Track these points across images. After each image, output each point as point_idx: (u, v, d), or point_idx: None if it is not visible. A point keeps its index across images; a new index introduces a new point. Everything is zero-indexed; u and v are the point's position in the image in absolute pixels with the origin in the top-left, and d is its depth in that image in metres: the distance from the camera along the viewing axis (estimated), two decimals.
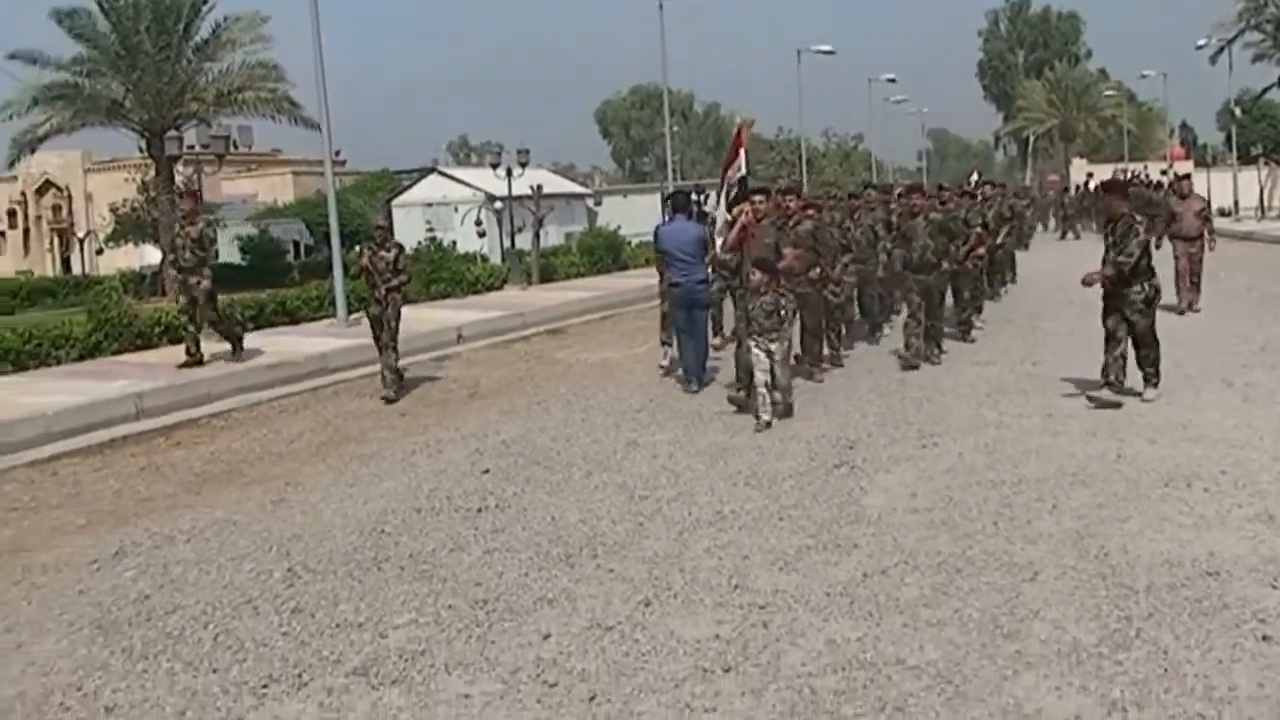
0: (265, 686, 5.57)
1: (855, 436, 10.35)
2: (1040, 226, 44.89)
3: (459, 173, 53.48)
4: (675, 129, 51.03)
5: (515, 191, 32.66)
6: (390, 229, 14.75)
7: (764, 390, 10.90)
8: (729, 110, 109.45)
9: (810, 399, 12.24)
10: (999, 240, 20.26)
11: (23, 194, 62.22)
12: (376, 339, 13.97)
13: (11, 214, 63.36)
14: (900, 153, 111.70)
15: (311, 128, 35.59)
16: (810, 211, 14.16)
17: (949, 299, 15.79)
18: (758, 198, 12.33)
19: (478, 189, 46.10)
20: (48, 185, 61.55)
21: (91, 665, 5.97)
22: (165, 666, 5.88)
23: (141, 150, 38.67)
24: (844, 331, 15.11)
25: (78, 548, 8.16)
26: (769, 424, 10.73)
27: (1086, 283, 11.27)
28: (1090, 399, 11.04)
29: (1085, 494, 8.16)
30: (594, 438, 10.92)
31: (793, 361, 11.76)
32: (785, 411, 11.11)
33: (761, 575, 6.75)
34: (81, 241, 56.68)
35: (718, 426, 11.08)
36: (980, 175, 36.91)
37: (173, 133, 27.85)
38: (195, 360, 15.28)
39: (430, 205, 47.83)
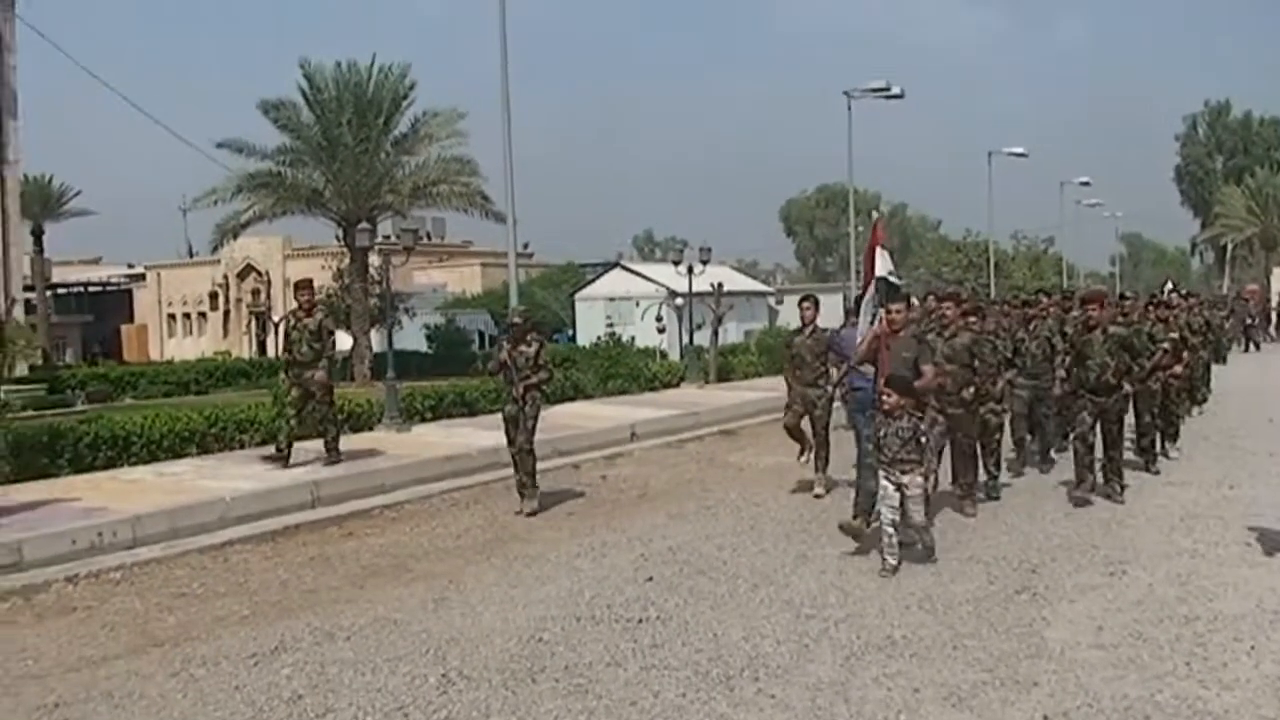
0: None
1: (1037, 560, 9.85)
2: (1239, 341, 42.80)
3: (642, 267, 54.00)
4: (860, 229, 50.66)
5: (696, 288, 32.70)
6: (529, 322, 13.76)
7: (890, 530, 9.51)
8: (915, 211, 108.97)
9: (990, 518, 11.77)
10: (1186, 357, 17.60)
11: (225, 277, 64.79)
12: (510, 440, 13.09)
13: (213, 296, 65.98)
14: (1092, 257, 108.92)
15: (500, 221, 36.34)
16: (971, 320, 12.72)
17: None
18: (895, 305, 10.79)
19: (660, 284, 46.39)
20: (249, 269, 64.00)
21: None
22: None
23: (338, 239, 39.93)
24: (1000, 458, 13.43)
25: (239, 640, 8.17)
26: (895, 568, 9.39)
27: None
28: None
29: None
30: (762, 548, 10.62)
31: (932, 491, 10.09)
32: (926, 555, 9.80)
33: (933, 711, 6.37)
34: (277, 325, 58.59)
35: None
36: (1175, 284, 35.71)
37: (365, 225, 28.61)
38: (283, 457, 14.58)
39: (612, 299, 48.30)
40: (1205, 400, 21.55)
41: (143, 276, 70.55)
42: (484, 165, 37.88)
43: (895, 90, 38.94)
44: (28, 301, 44.98)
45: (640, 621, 8.28)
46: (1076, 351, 13.00)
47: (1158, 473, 14.28)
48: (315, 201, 37.47)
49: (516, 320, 13.46)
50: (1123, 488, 12.72)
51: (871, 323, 11.26)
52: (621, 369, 26.92)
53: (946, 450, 11.86)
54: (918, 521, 9.64)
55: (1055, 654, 7.33)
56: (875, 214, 13.44)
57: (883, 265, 11.36)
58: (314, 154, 37.00)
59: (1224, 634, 7.65)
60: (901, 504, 9.53)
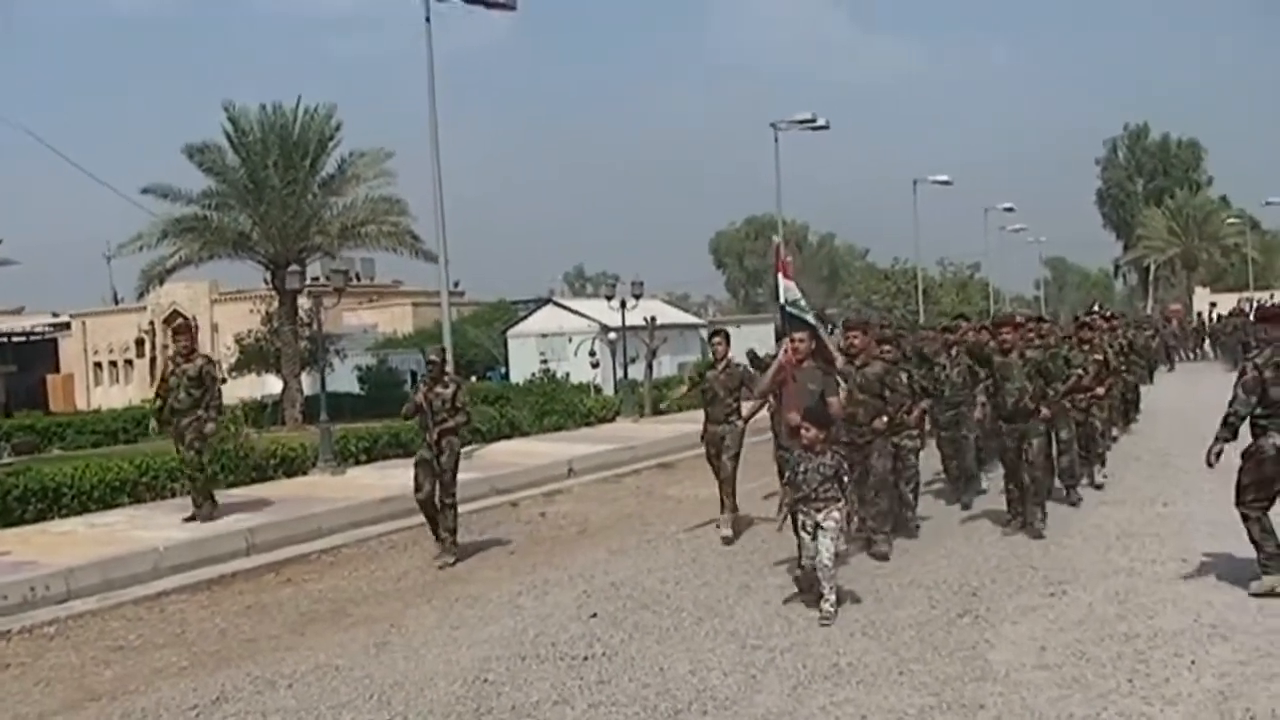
0: None
1: (977, 583, 9.92)
2: (1164, 362, 43.13)
3: (574, 303, 54.00)
4: (788, 259, 51.00)
5: (630, 322, 32.76)
6: (443, 363, 12.98)
7: (821, 575, 9.00)
8: (842, 241, 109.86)
9: (930, 541, 11.84)
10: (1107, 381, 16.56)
11: (150, 324, 63.95)
12: (418, 487, 12.30)
13: (139, 343, 65.11)
14: (1018, 282, 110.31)
15: (431, 260, 36.25)
16: (886, 349, 12.38)
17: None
18: (798, 335, 10.28)
19: (592, 319, 46.41)
20: (175, 315, 63.18)
21: None
22: None
23: (267, 282, 39.60)
24: (918, 490, 13.01)
25: (178, 691, 8.02)
26: (832, 614, 8.85)
27: None
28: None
29: (1226, 649, 7.68)
30: (704, 580, 10.61)
31: (849, 529, 9.96)
32: (827, 606, 8.94)
33: None
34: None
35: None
36: (1100, 305, 36.24)
37: (294, 267, 28.46)
38: (205, 514, 13.88)
39: (545, 336, 48.24)
40: (1135, 421, 21.82)
41: (68, 325, 69.47)
42: (413, 204, 37.81)
43: (821, 121, 39.32)
44: None
45: (586, 659, 8.23)
46: (996, 378, 12.56)
47: (1077, 503, 13.75)
48: (242, 245, 37.15)
49: (434, 358, 12.87)
50: (1044, 515, 12.13)
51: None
52: (557, 405, 26.87)
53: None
54: (825, 560, 8.94)
55: (1000, 676, 7.37)
56: (775, 239, 12.73)
57: (784, 294, 10.89)
58: (240, 197, 36.71)
59: (1164, 650, 7.74)
60: (826, 546, 8.96)
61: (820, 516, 9.00)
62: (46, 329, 70.57)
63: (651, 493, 17.02)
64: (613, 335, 36.84)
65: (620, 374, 35.11)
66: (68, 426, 38.38)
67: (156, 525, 13.64)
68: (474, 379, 50.02)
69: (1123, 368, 19.94)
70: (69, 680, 8.60)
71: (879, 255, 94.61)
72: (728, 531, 12.73)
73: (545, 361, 40.65)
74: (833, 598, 8.91)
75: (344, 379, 44.13)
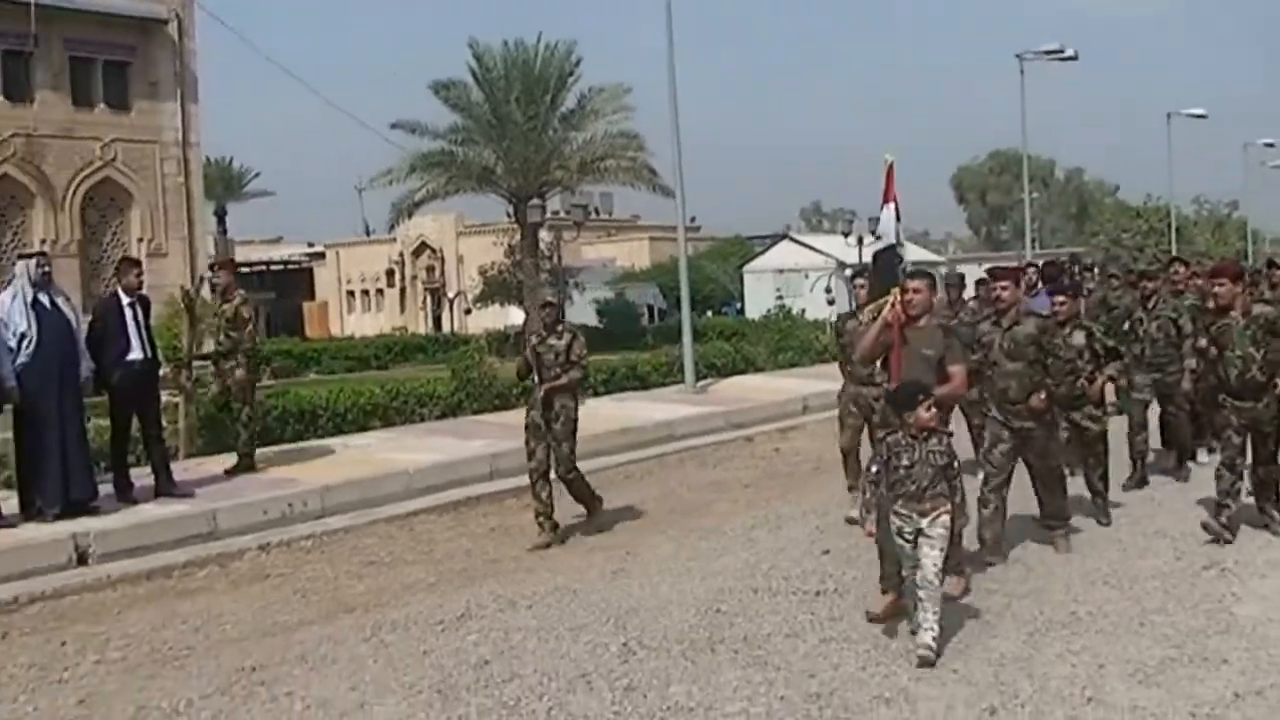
0: None
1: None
2: None
3: (810, 239, 53.74)
4: (1034, 195, 49.54)
5: (866, 258, 32.38)
6: (558, 308, 11.22)
7: (923, 594, 6.89)
8: (1091, 176, 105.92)
9: (1176, 492, 11.44)
10: None
11: (400, 255, 66.18)
12: (529, 455, 10.72)
13: (390, 273, 67.43)
14: None
15: (668, 195, 36.53)
16: (1059, 301, 10.42)
17: None
18: (914, 284, 7.95)
19: (829, 255, 46.10)
20: (423, 247, 65.28)
21: None
22: None
23: (509, 215, 40.61)
24: (1108, 474, 10.53)
25: (426, 606, 8.40)
26: (931, 652, 6.69)
27: None
28: None
29: None
30: None
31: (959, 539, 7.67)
32: (926, 650, 6.72)
33: (1119, 688, 6.24)
34: (452, 301, 59.76)
35: (1075, 519, 10.43)
36: None
37: (536, 201, 29.16)
38: (247, 467, 12.66)
39: (781, 272, 48.16)
40: None
41: (322, 255, 72.47)
42: (650, 139, 38.07)
43: (1069, 52, 37.85)
44: (201, 280, 46.67)
45: (818, 594, 8.27)
46: (1211, 341, 9.87)
47: None
48: (486, 179, 38.17)
49: (550, 299, 11.38)
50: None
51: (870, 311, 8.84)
52: (792, 341, 26.79)
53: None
54: (928, 575, 6.89)
55: (1246, 630, 7.13)
56: (887, 156, 9.24)
57: (887, 226, 9.05)
58: (484, 132, 37.67)
59: None
60: (928, 559, 6.94)
61: (925, 521, 7.00)
62: (302, 258, 73.78)
63: None
64: (849, 271, 36.52)
65: None
66: (323, 352, 40.24)
67: (406, 448, 14.21)
68: (710, 314, 50.34)
69: None
70: (324, 591, 9.10)
71: (1130, 192, 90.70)
72: (853, 512, 9.64)
73: (781, 297, 40.59)
74: (934, 626, 6.77)
75: (583, 311, 45.02)
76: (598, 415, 17.06)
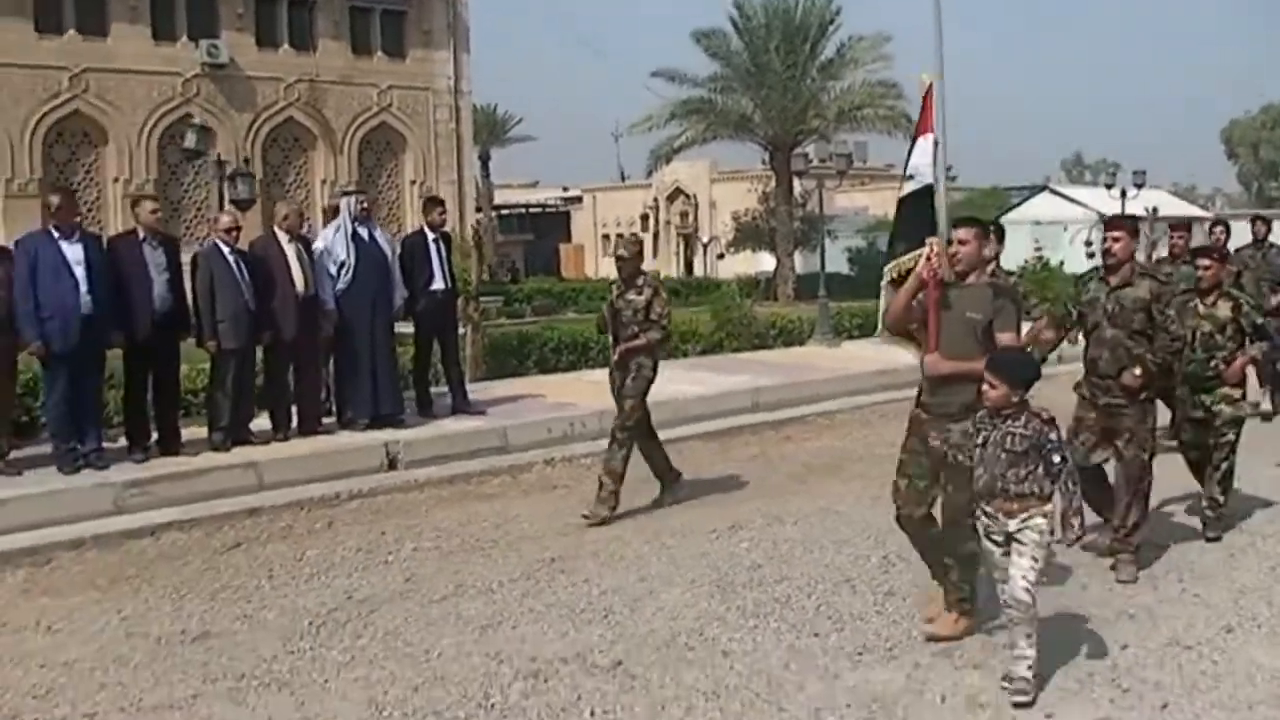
0: (859, 654, 6.21)
1: None
2: None
3: (1071, 191, 52.54)
4: None
5: (1129, 211, 31.82)
6: (637, 259, 9.85)
7: (1014, 611, 5.68)
8: None
9: None
10: None
11: (655, 200, 67.42)
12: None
13: (644, 218, 68.79)
14: None
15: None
16: (1205, 265, 8.78)
17: None
18: (961, 233, 6.58)
19: (1089, 208, 45.11)
20: (677, 192, 66.31)
21: (710, 616, 6.87)
22: (773, 626, 6.66)
23: (764, 162, 41.15)
24: (1230, 479, 8.63)
25: (699, 518, 9.22)
26: (1026, 692, 5.57)
27: None
28: None
29: None
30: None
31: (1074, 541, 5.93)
32: (1023, 680, 5.61)
33: None
34: (706, 246, 60.67)
35: None
36: None
37: (801, 150, 29.72)
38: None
39: (1039, 224, 47.26)
40: None
41: (579, 199, 74.34)
42: (908, 87, 37.99)
43: None
44: (477, 221, 48.73)
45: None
46: None
47: None
48: (743, 126, 38.76)
49: (622, 253, 10.01)
50: None
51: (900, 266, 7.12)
52: (1049, 293, 26.64)
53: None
54: (1017, 592, 5.65)
55: None
56: (924, 78, 7.64)
57: (922, 160, 7.35)
58: (742, 80, 38.21)
59: None
60: (1022, 573, 5.68)
61: (1015, 523, 5.71)
62: (559, 202, 75.83)
63: None
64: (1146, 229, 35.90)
65: None
66: (580, 292, 41.64)
67: (673, 380, 14.85)
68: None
69: None
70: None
71: None
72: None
73: (1039, 249, 40.02)
74: (1030, 653, 5.64)
75: (834, 259, 45.05)
76: (857, 356, 17.68)
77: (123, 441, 10.44)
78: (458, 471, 10.92)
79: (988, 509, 5.80)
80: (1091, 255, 41.30)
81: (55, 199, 10.00)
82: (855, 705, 5.59)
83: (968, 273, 6.60)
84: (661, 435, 12.35)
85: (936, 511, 6.58)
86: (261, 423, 11.27)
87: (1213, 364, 8.51)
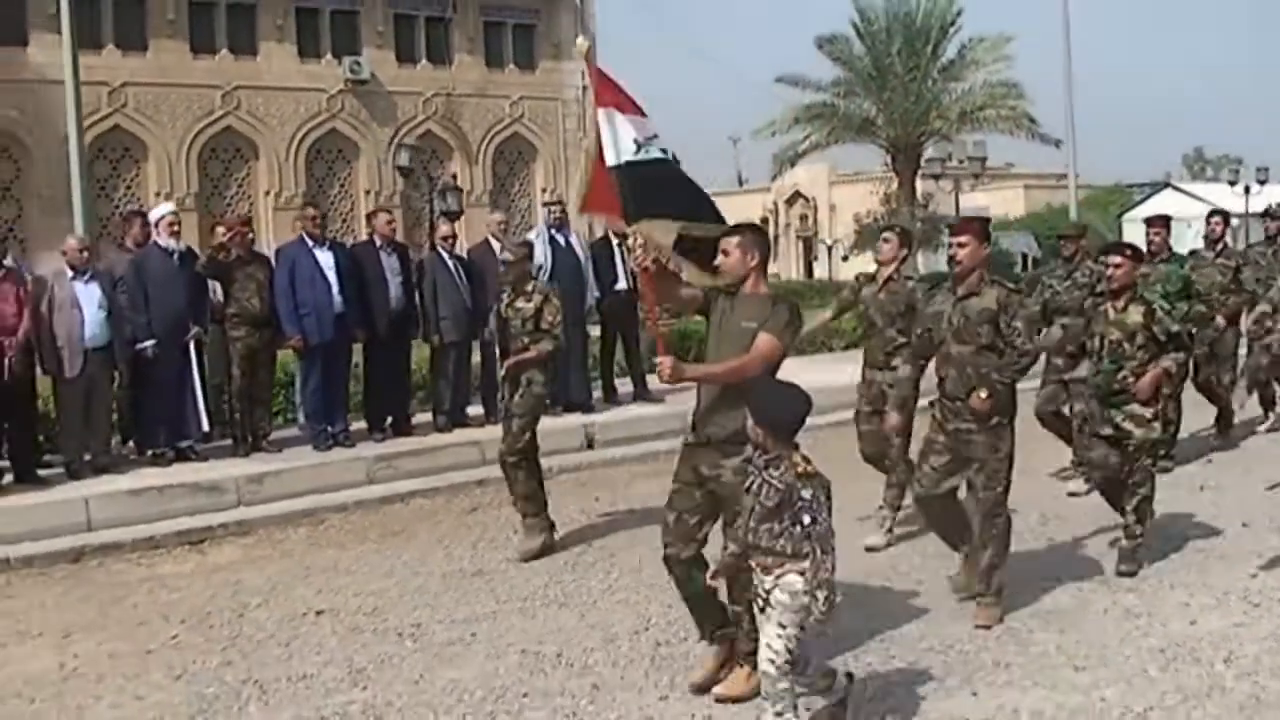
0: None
1: None
2: None
3: (1193, 187, 52.68)
4: None
5: (1252, 208, 32.32)
6: (524, 261, 9.19)
7: (765, 684, 5.14)
8: None
9: None
10: None
11: (774, 204, 68.51)
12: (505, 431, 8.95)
13: (764, 221, 69.98)
14: None
15: (1047, 143, 37.41)
16: (1116, 264, 7.95)
17: None
18: (729, 240, 6.28)
19: (1212, 205, 45.38)
20: (796, 196, 67.33)
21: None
22: None
23: (886, 165, 42.10)
24: (1148, 504, 7.90)
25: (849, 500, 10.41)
26: None
27: None
28: None
29: None
30: None
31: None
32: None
33: None
34: (830, 248, 61.63)
35: None
36: None
37: (931, 153, 30.71)
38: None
39: None
40: None
41: None
42: (1029, 86, 38.69)
43: None
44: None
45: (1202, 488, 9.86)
46: None
47: None
48: (865, 130, 39.72)
49: (508, 256, 9.35)
50: None
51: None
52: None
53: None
54: (764, 667, 5.12)
55: None
56: (580, 41, 7.80)
57: (626, 136, 6.16)
58: (865, 84, 39.18)
59: None
60: (787, 636, 5.06)
61: (770, 580, 5.12)
62: None
63: None
64: (1235, 222, 36.28)
65: None
66: None
67: (817, 370, 16.31)
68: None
69: None
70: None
71: None
72: (878, 540, 8.79)
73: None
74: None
75: None
76: None
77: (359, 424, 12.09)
78: (647, 450, 12.36)
79: (750, 564, 5.20)
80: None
81: (311, 212, 11.71)
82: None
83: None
84: (824, 420, 13.55)
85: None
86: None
87: (1121, 375, 7.80)
